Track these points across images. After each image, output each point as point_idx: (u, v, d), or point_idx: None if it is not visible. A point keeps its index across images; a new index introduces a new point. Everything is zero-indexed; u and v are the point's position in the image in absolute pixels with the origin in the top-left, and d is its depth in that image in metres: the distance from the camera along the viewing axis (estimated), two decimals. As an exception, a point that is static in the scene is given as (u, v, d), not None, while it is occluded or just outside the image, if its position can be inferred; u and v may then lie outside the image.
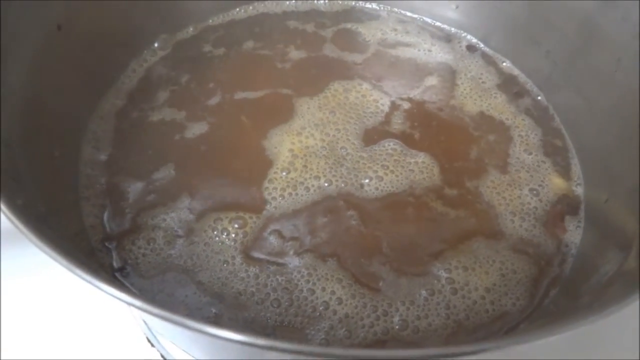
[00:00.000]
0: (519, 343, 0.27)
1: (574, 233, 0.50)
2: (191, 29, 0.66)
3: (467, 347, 0.27)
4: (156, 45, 0.63)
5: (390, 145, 0.55)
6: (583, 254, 0.48)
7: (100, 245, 0.46)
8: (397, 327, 0.43)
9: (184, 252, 0.46)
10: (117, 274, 0.45)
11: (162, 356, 0.52)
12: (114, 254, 0.46)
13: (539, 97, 0.61)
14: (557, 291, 0.46)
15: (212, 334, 0.26)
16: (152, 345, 0.52)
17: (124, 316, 0.53)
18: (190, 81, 0.61)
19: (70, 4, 0.49)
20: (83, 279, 0.27)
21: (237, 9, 0.69)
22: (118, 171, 0.52)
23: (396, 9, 0.70)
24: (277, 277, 0.45)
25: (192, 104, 0.58)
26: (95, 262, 0.44)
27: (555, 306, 0.45)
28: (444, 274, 0.46)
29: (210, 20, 0.67)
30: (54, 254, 0.28)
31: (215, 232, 0.48)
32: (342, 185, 0.52)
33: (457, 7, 0.66)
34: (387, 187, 0.52)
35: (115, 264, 0.45)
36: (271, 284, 0.45)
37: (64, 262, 0.28)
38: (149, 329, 0.52)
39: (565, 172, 0.55)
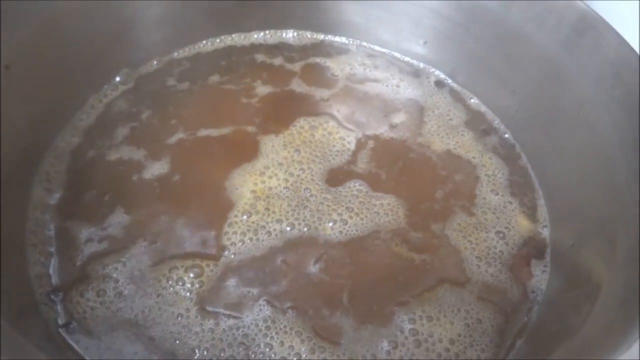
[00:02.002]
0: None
1: (540, 278, 0.49)
2: (155, 62, 0.64)
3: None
4: (118, 79, 0.61)
5: (355, 186, 0.54)
6: (549, 301, 0.47)
7: (46, 299, 0.44)
8: (358, 384, 0.41)
9: (136, 305, 0.44)
10: (61, 330, 0.42)
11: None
12: (60, 308, 0.43)
13: (506, 135, 0.61)
14: (524, 341, 0.45)
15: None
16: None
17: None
18: (151, 117, 0.59)
19: (19, 44, 0.47)
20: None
21: (204, 42, 0.67)
22: (70, 215, 0.49)
23: (365, 43, 0.69)
24: (234, 331, 0.43)
25: (153, 142, 0.56)
26: (38, 318, 0.41)
27: (522, 358, 0.43)
28: (408, 325, 0.44)
29: (175, 53, 0.66)
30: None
31: (170, 282, 0.45)
32: (305, 229, 0.50)
33: (425, 42, 0.66)
34: (352, 230, 0.50)
35: (60, 320, 0.42)
36: (227, 339, 0.43)
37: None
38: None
39: (531, 213, 0.54)
